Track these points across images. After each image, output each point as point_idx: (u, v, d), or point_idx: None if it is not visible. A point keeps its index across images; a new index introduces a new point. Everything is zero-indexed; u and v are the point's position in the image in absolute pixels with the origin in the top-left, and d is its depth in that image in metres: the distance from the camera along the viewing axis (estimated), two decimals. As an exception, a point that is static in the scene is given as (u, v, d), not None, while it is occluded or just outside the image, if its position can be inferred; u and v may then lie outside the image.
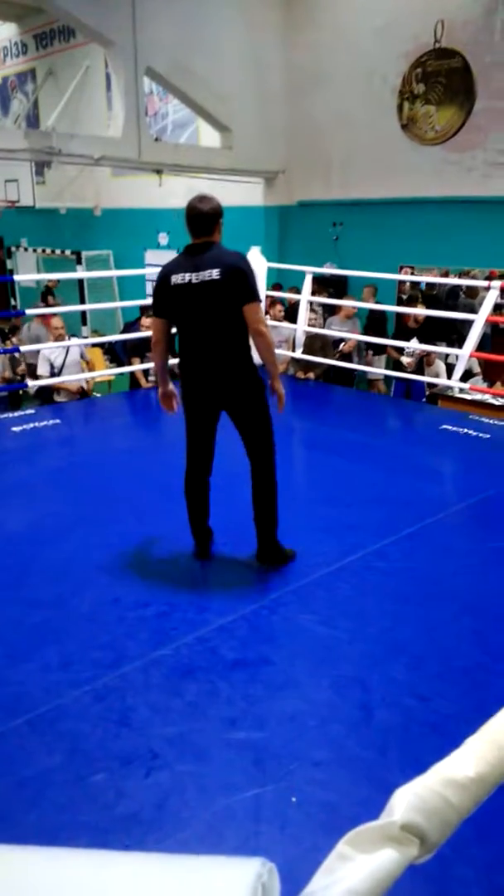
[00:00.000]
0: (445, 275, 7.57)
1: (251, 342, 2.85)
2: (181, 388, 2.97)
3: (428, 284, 7.81)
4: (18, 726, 2.09)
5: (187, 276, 2.75)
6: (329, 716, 2.16)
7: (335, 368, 6.85)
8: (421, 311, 6.56)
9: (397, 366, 6.76)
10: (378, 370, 6.92)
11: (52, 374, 6.13)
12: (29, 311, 6.68)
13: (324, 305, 7.33)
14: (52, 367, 6.12)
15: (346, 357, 7.01)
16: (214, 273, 2.71)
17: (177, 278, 2.78)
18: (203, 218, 2.78)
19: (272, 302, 6.99)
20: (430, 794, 0.63)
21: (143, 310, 6.88)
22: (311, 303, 6.77)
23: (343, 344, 7.00)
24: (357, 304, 7.14)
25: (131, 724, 2.10)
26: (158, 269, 2.92)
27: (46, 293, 10.42)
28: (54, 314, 6.47)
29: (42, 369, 6.16)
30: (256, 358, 2.90)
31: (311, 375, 6.75)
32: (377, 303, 7.47)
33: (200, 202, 2.80)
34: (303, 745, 2.03)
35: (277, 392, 2.93)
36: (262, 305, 3.19)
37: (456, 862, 1.63)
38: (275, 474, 3.00)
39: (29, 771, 1.91)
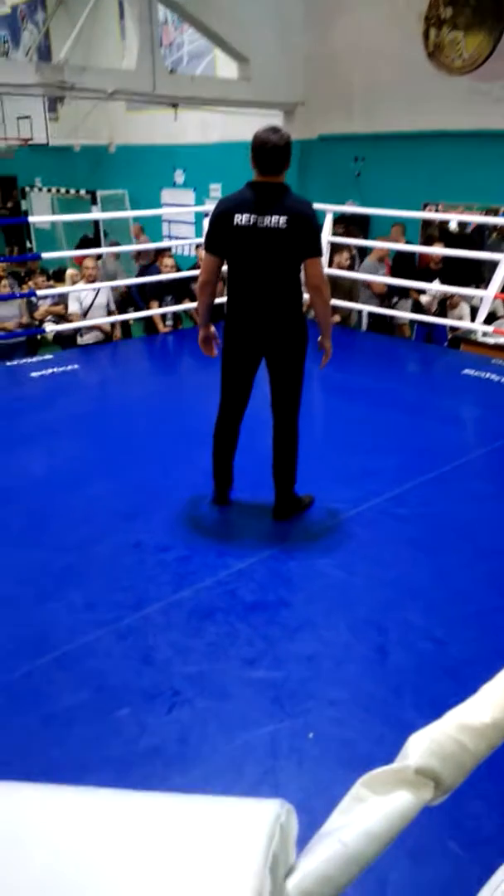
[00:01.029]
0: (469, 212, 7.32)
1: (304, 294, 2.78)
2: (225, 329, 2.86)
3: (457, 223, 7.56)
4: (46, 664, 2.17)
5: (252, 218, 2.61)
6: (345, 657, 2.21)
7: (370, 314, 6.72)
8: (439, 250, 6.37)
9: (418, 308, 6.63)
10: (401, 313, 6.77)
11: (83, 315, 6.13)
12: (45, 255, 6.60)
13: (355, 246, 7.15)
14: (81, 306, 6.11)
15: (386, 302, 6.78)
16: (282, 221, 2.58)
17: (240, 218, 2.62)
18: (276, 153, 2.58)
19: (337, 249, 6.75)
20: (446, 738, 0.65)
21: (159, 252, 6.78)
22: (339, 244, 6.60)
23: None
24: (387, 244, 6.95)
25: (153, 663, 2.17)
26: (175, 209, 2.82)
27: (85, 243, 10.27)
28: (87, 256, 6.42)
29: (73, 307, 6.16)
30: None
31: (337, 318, 6.65)
32: (407, 242, 7.26)
33: (273, 134, 2.59)
34: (319, 685, 2.09)
35: (326, 349, 2.91)
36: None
37: (468, 795, 1.68)
38: (297, 429, 2.98)
39: (56, 707, 1.99)
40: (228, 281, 2.82)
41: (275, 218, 2.59)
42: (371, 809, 0.59)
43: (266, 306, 2.76)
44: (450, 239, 7.44)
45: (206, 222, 2.73)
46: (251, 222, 2.61)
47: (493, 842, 1.58)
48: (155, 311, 6.39)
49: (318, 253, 2.70)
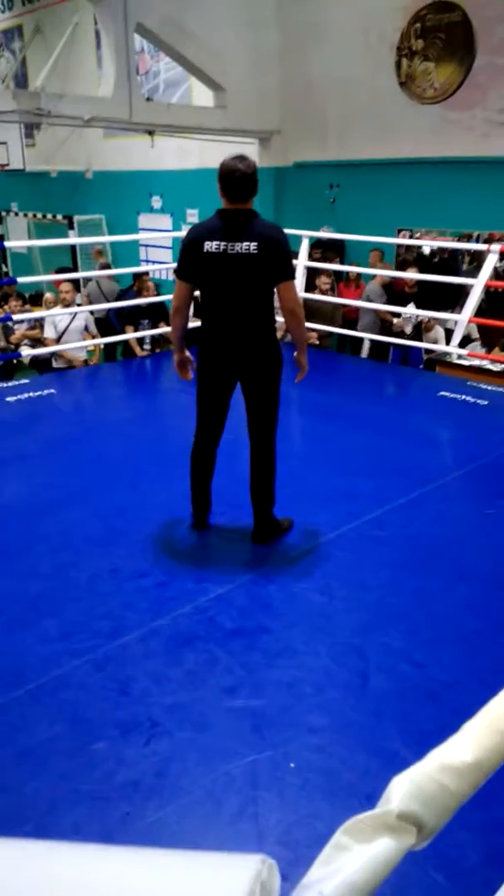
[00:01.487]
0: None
1: (276, 316, 2.79)
2: (199, 355, 2.87)
3: (431, 251, 7.68)
4: (19, 696, 2.11)
5: (222, 245, 2.63)
6: (326, 683, 2.19)
7: (342, 337, 6.79)
8: (417, 275, 6.47)
9: (391, 332, 6.70)
10: (375, 336, 6.85)
11: (57, 340, 6.11)
12: (21, 280, 6.58)
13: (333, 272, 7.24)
14: (56, 330, 6.09)
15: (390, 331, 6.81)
16: (253, 246, 2.60)
17: (210, 245, 2.64)
18: (244, 181, 2.61)
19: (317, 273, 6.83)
20: (428, 780, 0.63)
21: (136, 277, 6.80)
22: (315, 269, 6.67)
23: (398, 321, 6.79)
24: (362, 269, 7.04)
25: (131, 693, 2.12)
26: (152, 234, 2.84)
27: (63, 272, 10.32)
28: (64, 280, 6.42)
29: (49, 332, 6.14)
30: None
31: (315, 340, 6.69)
32: (384, 267, 7.36)
33: (240, 162, 2.62)
34: (300, 712, 2.06)
35: (302, 365, 2.95)
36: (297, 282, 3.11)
37: (451, 825, 1.65)
38: (275, 451, 2.97)
39: (30, 741, 1.93)
40: (202, 307, 2.83)
41: (245, 244, 2.61)
42: (353, 859, 0.57)
43: (239, 331, 2.77)
44: (425, 264, 7.55)
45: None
46: (221, 249, 2.63)
47: (477, 872, 1.55)
48: (130, 335, 6.38)
49: (291, 276, 2.73)
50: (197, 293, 2.85)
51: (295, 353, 2.94)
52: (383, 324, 6.91)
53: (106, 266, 9.43)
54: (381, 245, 7.36)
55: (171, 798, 1.75)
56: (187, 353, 2.99)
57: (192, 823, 1.67)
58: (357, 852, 0.57)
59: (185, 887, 0.49)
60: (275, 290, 2.75)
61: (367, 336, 6.86)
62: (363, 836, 0.59)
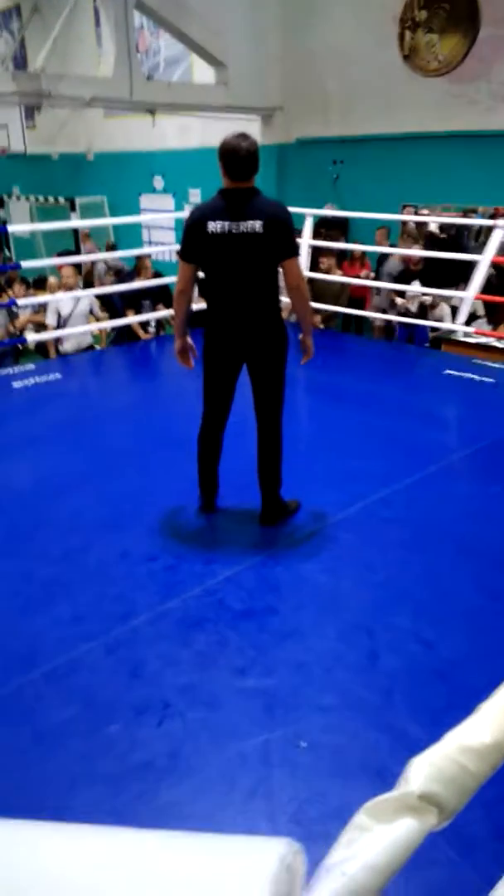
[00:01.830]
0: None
1: (282, 295, 2.78)
2: (205, 337, 2.85)
3: (439, 227, 7.59)
4: (34, 679, 2.14)
5: (227, 225, 2.60)
6: (335, 663, 2.21)
7: (348, 316, 6.77)
8: (420, 252, 6.41)
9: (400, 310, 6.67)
10: (380, 315, 6.81)
11: (59, 325, 6.09)
12: (24, 264, 6.56)
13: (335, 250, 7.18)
14: (59, 317, 6.07)
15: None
16: (257, 225, 2.58)
17: (214, 226, 2.62)
18: (249, 159, 2.59)
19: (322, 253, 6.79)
20: (447, 762, 0.65)
21: (139, 259, 6.76)
22: (321, 249, 6.63)
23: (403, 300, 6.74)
24: (368, 247, 6.99)
25: (143, 676, 2.15)
26: (155, 215, 2.82)
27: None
28: (66, 264, 6.39)
29: (50, 319, 6.13)
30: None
31: (318, 320, 6.67)
32: (391, 245, 7.30)
33: (244, 141, 2.59)
34: (310, 692, 2.08)
35: (308, 346, 2.92)
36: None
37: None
38: (281, 433, 2.98)
39: (46, 723, 1.97)
40: (207, 289, 2.82)
41: (250, 223, 2.59)
42: (375, 840, 0.59)
43: (245, 312, 2.76)
44: (432, 241, 7.48)
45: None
46: (226, 229, 2.61)
47: (487, 847, 1.58)
48: (131, 318, 6.36)
49: (296, 253, 2.72)
50: (201, 275, 2.84)
51: (300, 335, 2.93)
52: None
53: (113, 247, 9.42)
54: (386, 222, 7.28)
55: (185, 777, 1.78)
56: (189, 340, 2.97)
57: (206, 802, 1.71)
58: (379, 833, 0.59)
59: (213, 870, 0.51)
60: (279, 269, 2.74)
61: (374, 315, 6.82)
62: (385, 817, 0.60)
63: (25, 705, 2.04)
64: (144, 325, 6.48)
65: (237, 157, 2.58)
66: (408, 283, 6.34)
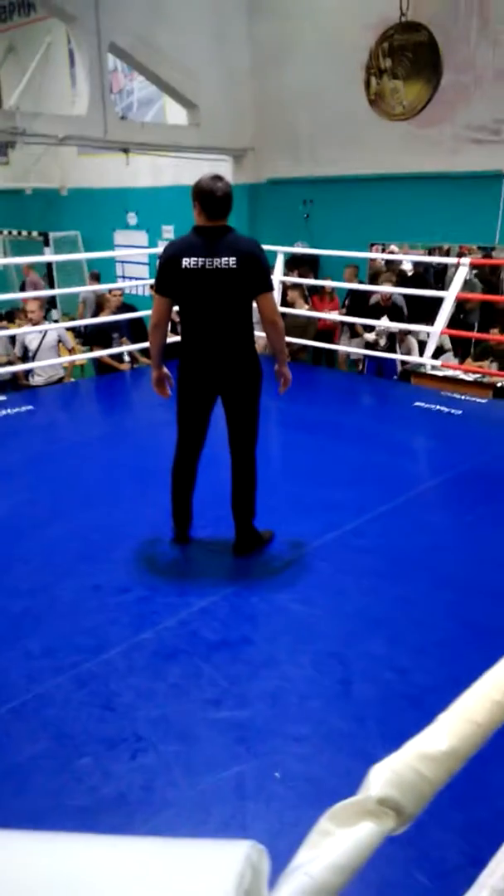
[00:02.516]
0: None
1: (254, 329, 2.84)
2: (179, 370, 2.89)
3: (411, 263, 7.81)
4: (2, 714, 2.10)
5: (201, 261, 2.67)
6: (309, 692, 2.21)
7: (318, 349, 6.89)
8: (391, 289, 6.58)
9: (369, 343, 6.81)
10: (350, 349, 6.95)
11: (26, 358, 6.08)
12: (1, 297, 6.58)
13: (307, 286, 7.34)
14: (26, 350, 6.07)
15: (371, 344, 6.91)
16: (231, 261, 2.65)
17: (188, 261, 2.68)
18: (225, 199, 2.69)
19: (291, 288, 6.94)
20: (405, 768, 0.67)
21: (102, 295, 6.82)
22: (289, 284, 6.76)
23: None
24: (336, 283, 7.15)
25: (116, 708, 2.13)
26: (128, 251, 2.88)
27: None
28: (31, 299, 6.42)
29: (17, 351, 6.13)
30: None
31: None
32: (360, 282, 7.48)
33: (219, 182, 2.69)
34: (285, 722, 2.08)
35: (284, 376, 2.99)
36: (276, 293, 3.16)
37: (433, 825, 1.69)
38: (255, 464, 3.01)
39: (15, 758, 1.93)
40: (181, 322, 2.87)
41: (224, 259, 2.66)
42: (336, 842, 0.60)
43: (219, 345, 2.80)
44: (401, 278, 7.68)
45: (158, 263, 2.81)
46: (200, 265, 2.67)
47: (459, 871, 1.58)
48: (98, 353, 6.38)
49: (270, 288, 2.79)
50: (175, 308, 2.89)
51: (276, 366, 2.98)
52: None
53: (97, 277, 9.51)
54: (354, 260, 7.47)
55: (159, 810, 1.76)
56: (165, 370, 3.02)
57: (180, 835, 1.67)
58: (340, 836, 0.61)
59: (177, 871, 0.52)
60: (254, 303, 2.80)
61: (343, 349, 6.95)
62: (346, 822, 0.62)
63: (-6, 741, 2.00)
64: (120, 356, 6.51)
65: (213, 198, 2.67)
66: (377, 318, 6.49)
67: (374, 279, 7.61)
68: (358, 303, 7.24)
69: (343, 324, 7.31)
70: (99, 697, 2.17)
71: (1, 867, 0.52)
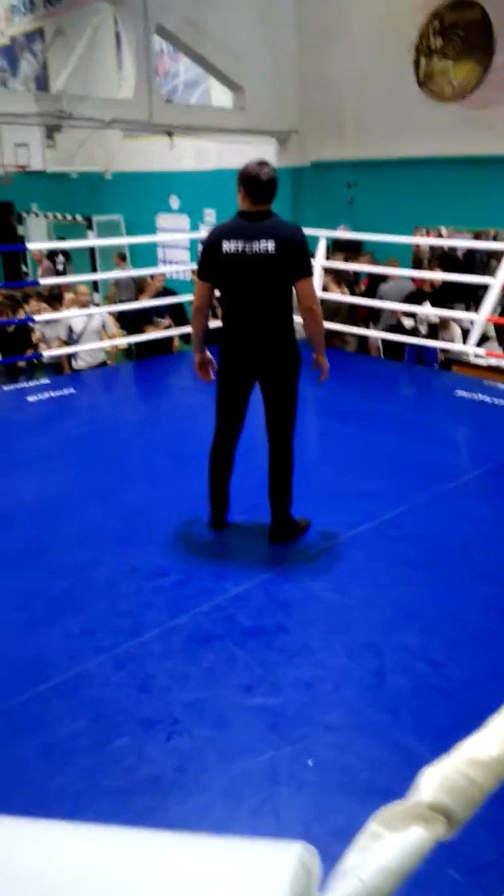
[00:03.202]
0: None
1: (295, 315, 2.83)
2: (220, 354, 2.92)
3: (450, 246, 7.63)
4: (43, 692, 2.16)
5: (241, 245, 2.69)
6: (343, 681, 2.22)
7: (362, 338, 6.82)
8: (432, 274, 6.45)
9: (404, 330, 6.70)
10: (387, 335, 6.86)
11: (71, 342, 6.17)
12: (42, 282, 6.66)
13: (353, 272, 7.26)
14: (71, 333, 6.15)
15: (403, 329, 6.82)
16: (270, 246, 2.66)
17: (229, 246, 2.70)
18: (267, 185, 2.71)
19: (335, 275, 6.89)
20: (456, 773, 0.67)
21: (143, 278, 6.84)
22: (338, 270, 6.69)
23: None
24: (372, 268, 7.05)
25: (152, 690, 2.17)
26: (170, 235, 2.90)
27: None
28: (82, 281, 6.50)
29: (62, 334, 6.22)
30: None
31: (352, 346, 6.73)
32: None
33: (265, 167, 2.72)
34: (318, 710, 2.09)
35: (322, 365, 2.97)
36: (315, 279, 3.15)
37: (467, 822, 1.68)
38: (292, 451, 3.01)
39: (53, 736, 1.98)
40: (222, 307, 2.88)
41: (263, 243, 2.67)
42: (387, 846, 0.61)
43: (258, 330, 2.81)
44: (450, 262, 7.52)
45: (200, 248, 2.85)
46: (240, 249, 2.69)
47: (492, 868, 1.57)
48: (151, 335, 6.43)
49: (309, 273, 2.76)
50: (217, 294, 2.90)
51: (314, 354, 2.96)
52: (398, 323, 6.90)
53: (123, 257, 9.61)
54: (396, 253, 7.34)
55: (192, 794, 1.79)
56: (208, 354, 3.03)
57: (213, 819, 1.71)
58: (390, 840, 0.61)
59: (231, 872, 0.53)
60: (293, 289, 2.79)
61: (378, 335, 6.85)
62: (396, 826, 0.62)
63: (33, 718, 2.06)
64: (168, 339, 6.54)
65: (258, 182, 2.69)
66: (419, 303, 6.38)
67: (418, 265, 7.46)
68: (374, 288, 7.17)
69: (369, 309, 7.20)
70: (136, 679, 2.22)
71: (36, 861, 0.53)
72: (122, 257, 9.95)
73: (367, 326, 7.15)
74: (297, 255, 2.70)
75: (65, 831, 0.57)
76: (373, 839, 0.62)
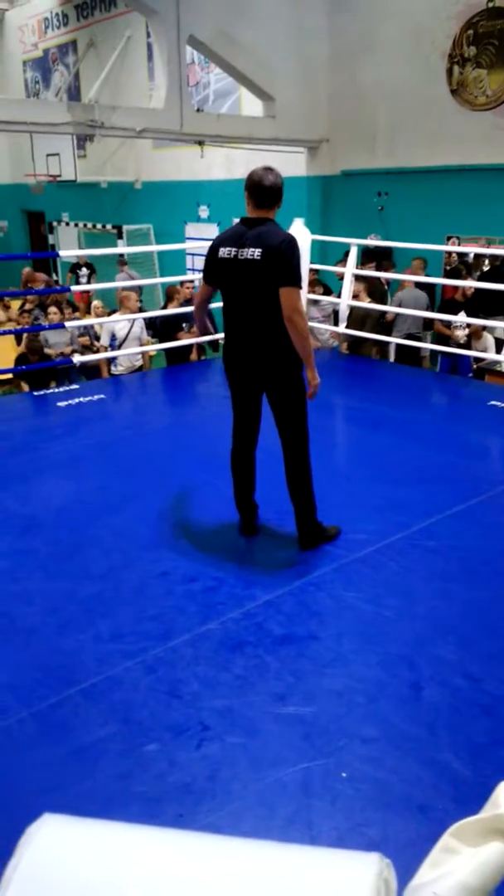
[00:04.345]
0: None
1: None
2: (223, 362, 2.98)
3: (482, 256, 7.54)
4: (73, 695, 2.14)
5: (233, 251, 2.74)
6: (377, 693, 2.16)
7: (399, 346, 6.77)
8: (469, 283, 6.38)
9: (441, 340, 6.62)
10: (425, 345, 6.78)
11: (111, 347, 6.23)
12: (74, 288, 6.72)
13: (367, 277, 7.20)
14: (114, 338, 6.20)
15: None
16: (256, 253, 2.68)
17: (224, 251, 2.77)
18: (269, 190, 2.73)
19: (313, 281, 6.87)
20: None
21: (171, 287, 6.87)
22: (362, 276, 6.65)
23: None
24: (405, 276, 6.99)
25: (182, 696, 2.13)
26: (199, 244, 2.94)
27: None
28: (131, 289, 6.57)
29: (104, 339, 6.28)
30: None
31: (345, 347, 6.68)
32: (427, 275, 7.30)
33: (269, 173, 2.74)
34: (351, 722, 2.04)
35: (310, 380, 2.86)
36: (304, 282, 3.15)
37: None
38: (307, 456, 2.98)
39: (84, 740, 1.96)
40: (222, 314, 2.93)
41: (251, 250, 2.70)
42: (464, 861, 0.56)
43: (253, 336, 2.82)
44: (489, 273, 7.42)
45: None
46: (232, 255, 2.74)
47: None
48: (185, 341, 6.44)
49: (292, 283, 2.70)
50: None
51: (305, 369, 2.88)
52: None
53: (124, 263, 9.85)
54: (422, 253, 7.28)
55: (224, 802, 1.75)
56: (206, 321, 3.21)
57: (245, 828, 1.67)
58: (468, 855, 0.57)
59: (316, 881, 0.50)
60: None
61: (423, 346, 6.78)
62: (473, 840, 0.58)
63: (64, 721, 2.04)
64: (191, 347, 6.56)
65: (260, 187, 2.73)
66: (455, 313, 6.30)
67: (453, 275, 7.37)
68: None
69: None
70: (166, 684, 2.19)
71: (124, 867, 0.51)
72: (124, 263, 10.17)
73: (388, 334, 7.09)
74: (280, 263, 2.67)
75: (143, 836, 0.55)
76: (448, 854, 0.57)
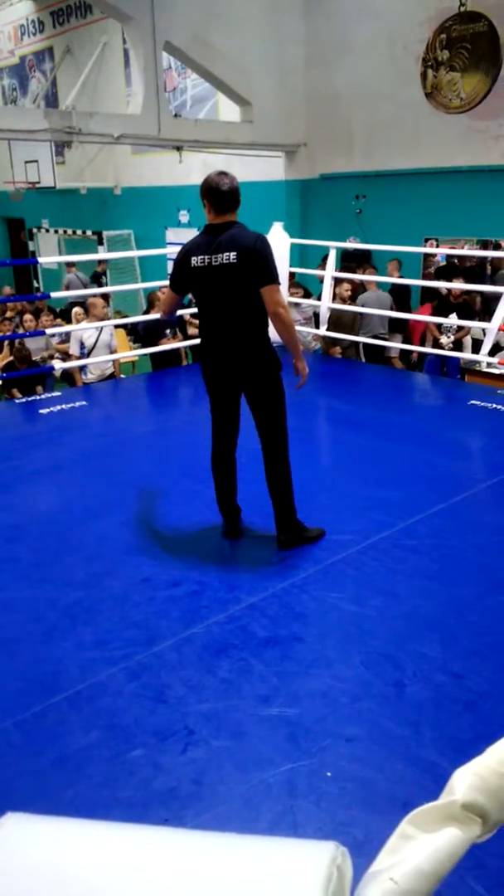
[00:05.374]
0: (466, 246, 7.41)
1: (269, 323, 2.84)
2: (201, 366, 3.00)
3: (460, 257, 7.62)
4: (57, 703, 2.13)
5: (206, 259, 2.75)
6: (361, 692, 2.18)
7: (366, 345, 6.80)
8: (460, 285, 6.43)
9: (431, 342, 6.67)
10: (393, 344, 6.85)
11: (81, 355, 6.19)
12: (53, 295, 6.70)
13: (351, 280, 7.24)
14: (82, 347, 6.19)
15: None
16: (231, 256, 2.70)
17: (196, 260, 2.77)
18: (228, 194, 2.75)
19: (291, 284, 6.91)
20: (490, 773, 0.64)
21: (153, 293, 6.87)
22: (336, 279, 6.69)
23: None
24: (379, 278, 7.05)
25: (167, 701, 2.13)
26: (179, 248, 2.92)
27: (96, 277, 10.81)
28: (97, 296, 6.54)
29: (73, 349, 6.25)
30: (275, 337, 2.88)
31: (338, 350, 6.70)
32: (401, 277, 7.37)
33: (225, 177, 2.77)
34: (336, 722, 2.05)
35: (300, 370, 2.93)
36: (284, 286, 3.18)
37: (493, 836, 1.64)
38: (287, 455, 3.00)
39: (69, 747, 1.95)
40: (199, 320, 2.95)
41: (225, 254, 2.71)
42: (420, 847, 0.58)
43: (231, 340, 2.84)
44: (466, 274, 7.48)
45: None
46: (206, 262, 2.75)
47: (520, 884, 1.53)
48: (166, 346, 6.44)
49: (273, 280, 2.75)
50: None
51: (293, 360, 2.94)
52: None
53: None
54: (397, 255, 7.35)
55: (209, 805, 1.75)
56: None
57: (231, 831, 1.67)
58: (423, 841, 0.58)
59: (265, 871, 0.51)
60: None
61: (390, 345, 6.83)
62: (428, 826, 0.59)
63: (48, 729, 2.03)
64: (175, 351, 6.56)
65: (219, 192, 2.75)
66: (446, 315, 6.34)
67: (443, 275, 7.40)
68: (399, 298, 7.12)
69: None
70: (150, 690, 2.18)
71: (78, 858, 0.51)
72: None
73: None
74: (257, 263, 2.70)
75: (101, 831, 0.55)
76: (405, 840, 0.59)
